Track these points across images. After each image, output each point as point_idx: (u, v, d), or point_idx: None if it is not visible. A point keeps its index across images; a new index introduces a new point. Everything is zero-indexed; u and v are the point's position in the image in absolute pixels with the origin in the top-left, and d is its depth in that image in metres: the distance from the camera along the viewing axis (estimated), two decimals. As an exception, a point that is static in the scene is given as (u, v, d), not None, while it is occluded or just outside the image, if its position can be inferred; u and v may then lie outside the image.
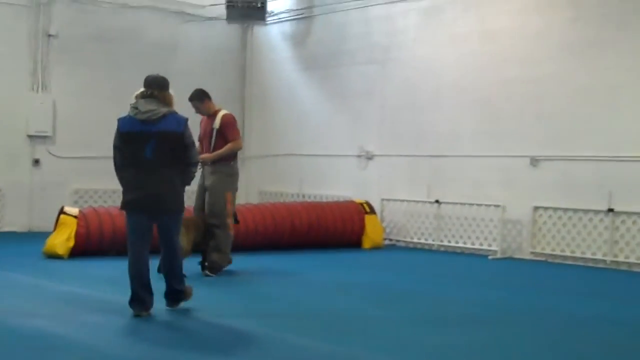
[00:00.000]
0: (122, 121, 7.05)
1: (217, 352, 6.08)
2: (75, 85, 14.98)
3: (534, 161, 12.11)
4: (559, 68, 11.87)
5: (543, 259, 11.98)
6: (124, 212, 7.21)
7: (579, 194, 11.64)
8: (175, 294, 7.36)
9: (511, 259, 12.23)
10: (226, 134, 9.55)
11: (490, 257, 12.31)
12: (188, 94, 9.72)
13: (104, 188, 14.95)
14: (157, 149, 6.83)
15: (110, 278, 9.20)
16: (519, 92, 12.29)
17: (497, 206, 12.41)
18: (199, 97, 9.68)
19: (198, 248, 9.57)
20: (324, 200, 14.38)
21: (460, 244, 12.99)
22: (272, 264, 10.92)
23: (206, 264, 9.61)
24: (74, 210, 11.26)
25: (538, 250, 12.09)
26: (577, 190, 11.64)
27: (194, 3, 16.09)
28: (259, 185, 16.52)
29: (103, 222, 11.19)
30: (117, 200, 14.40)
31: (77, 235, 10.92)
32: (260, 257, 11.41)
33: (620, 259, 11.27)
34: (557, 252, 11.88)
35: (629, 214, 11.19)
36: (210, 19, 16.16)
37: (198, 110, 9.77)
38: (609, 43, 11.42)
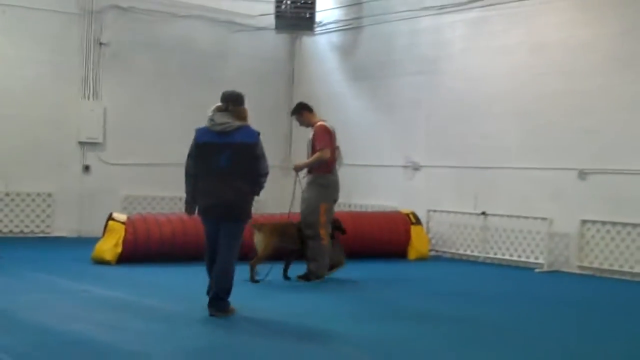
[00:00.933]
0: (199, 132, 7.51)
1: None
2: (125, 93, 15.21)
3: (582, 174, 12.00)
4: (607, 81, 11.78)
5: (590, 272, 11.84)
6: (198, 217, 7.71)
7: (627, 207, 11.49)
8: (221, 302, 7.51)
9: (558, 272, 12.09)
10: (315, 144, 9.77)
11: (536, 270, 12.20)
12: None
13: (153, 195, 15.17)
14: (231, 159, 7.28)
15: (157, 285, 9.33)
16: (566, 105, 12.21)
17: (544, 219, 12.30)
18: (297, 110, 10.11)
19: (290, 256, 9.98)
20: (371, 210, 14.38)
21: (507, 257, 12.88)
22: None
23: (288, 272, 9.95)
24: (122, 217, 11.42)
25: (586, 264, 11.96)
26: (625, 204, 11.51)
27: (244, 13, 16.23)
28: (305, 194, 16.58)
29: (150, 228, 11.34)
30: (165, 206, 14.87)
31: (125, 241, 11.08)
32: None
33: (670, 274, 11.09)
34: (605, 267, 11.72)
35: (678, 228, 11.01)
36: (260, 28, 16.30)
37: (300, 124, 10.18)
38: None
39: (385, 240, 12.95)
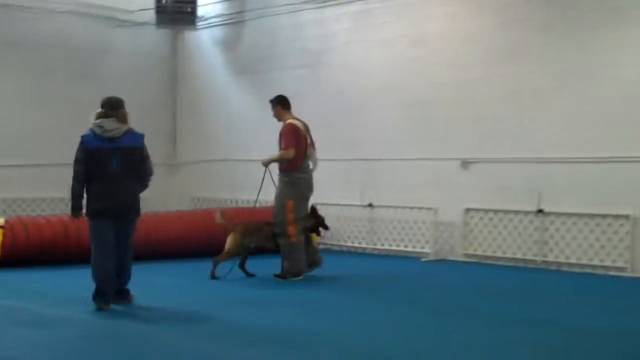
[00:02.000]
0: (86, 138, 7.81)
1: None
2: (0, 92, 14.62)
3: (465, 164, 12.22)
4: (488, 72, 12.00)
5: (475, 260, 12.08)
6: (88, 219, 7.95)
7: (509, 195, 11.77)
8: (125, 292, 8.13)
9: (444, 260, 12.30)
10: (281, 142, 9.87)
11: (423, 260, 12.36)
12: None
13: (33, 197, 14.63)
14: (122, 163, 7.75)
15: (37, 290, 8.98)
16: (449, 96, 12.39)
17: (429, 209, 12.50)
18: (272, 102, 10.23)
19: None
20: (258, 205, 14.24)
21: (394, 247, 13.03)
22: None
23: (246, 266, 10.15)
24: (0, 220, 10.97)
25: (470, 252, 12.20)
26: (507, 192, 11.77)
27: (122, 8, 15.84)
28: (192, 191, 16.37)
29: (30, 232, 10.92)
30: (47, 208, 14.38)
31: (3, 246, 10.64)
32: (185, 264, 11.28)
33: (550, 258, 11.43)
34: (489, 254, 11.99)
35: (557, 214, 11.36)
36: (139, 24, 15.94)
37: (274, 115, 10.33)
38: (535, 47, 11.59)
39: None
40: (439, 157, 12.46)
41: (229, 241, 9.96)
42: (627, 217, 10.74)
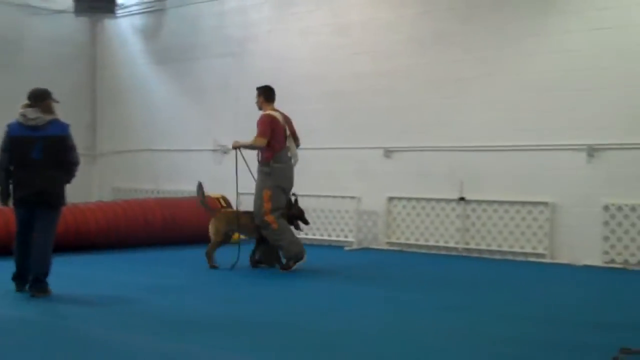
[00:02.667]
0: (11, 127, 7.90)
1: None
2: None
3: (388, 152, 12.26)
4: (410, 61, 12.06)
5: (398, 248, 12.13)
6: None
7: (432, 183, 11.87)
8: (41, 283, 7.89)
9: (367, 249, 12.31)
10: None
11: (346, 248, 12.37)
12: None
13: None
14: (44, 151, 7.77)
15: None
16: (372, 85, 12.41)
17: (353, 198, 12.51)
18: (257, 90, 10.04)
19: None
20: (180, 196, 14.08)
21: (318, 236, 12.98)
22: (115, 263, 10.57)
23: (257, 257, 9.93)
24: None
25: (393, 240, 12.25)
26: (429, 180, 11.86)
27: (40, -5, 15.42)
28: (112, 182, 16.07)
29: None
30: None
31: None
32: (109, 255, 11.05)
33: (472, 246, 11.56)
34: (412, 242, 12.05)
35: (479, 202, 11.49)
36: (57, 12, 15.53)
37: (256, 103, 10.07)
38: (456, 36, 11.69)
39: (194, 226, 12.65)
40: (363, 146, 12.48)
41: (211, 230, 9.91)
42: (546, 204, 10.90)
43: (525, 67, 11.12)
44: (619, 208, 10.38)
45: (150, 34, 15.66)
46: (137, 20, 15.82)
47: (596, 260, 10.47)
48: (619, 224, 10.39)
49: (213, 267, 9.79)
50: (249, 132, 13.40)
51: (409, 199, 12.09)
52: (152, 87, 15.55)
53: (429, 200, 11.88)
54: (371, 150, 12.38)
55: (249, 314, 7.12)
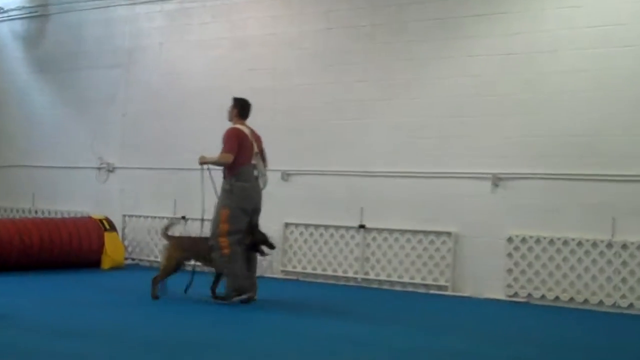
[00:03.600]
0: None
1: None
2: None
3: (285, 175, 11.70)
4: (310, 80, 11.60)
5: (294, 277, 11.55)
6: None
7: (331, 209, 11.33)
8: None
9: (261, 277, 11.57)
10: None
11: None
12: None
13: None
14: None
15: None
16: (269, 103, 11.78)
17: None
18: (233, 101, 9.30)
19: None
20: (59, 216, 13.08)
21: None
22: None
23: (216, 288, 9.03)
24: None
25: (289, 268, 11.66)
26: (329, 206, 11.34)
27: None
28: (-16, 199, 14.90)
29: None
30: None
31: None
32: None
33: (371, 276, 11.05)
34: (309, 270, 11.49)
35: (379, 230, 10.99)
36: None
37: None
38: (359, 56, 11.28)
39: (76, 249, 11.77)
40: None
41: (163, 256, 9.17)
42: (449, 234, 10.51)
43: (430, 91, 10.76)
44: (523, 239, 10.05)
45: (31, 40, 14.67)
46: (18, 26, 14.81)
47: (499, 294, 10.11)
48: (523, 256, 10.04)
49: (155, 297, 8.86)
50: (137, 150, 12.57)
51: (307, 226, 11.53)
52: (31, 97, 14.52)
53: (327, 227, 11.34)
54: (268, 173, 11.58)
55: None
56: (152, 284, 8.93)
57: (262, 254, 9.14)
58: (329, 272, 11.31)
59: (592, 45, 9.80)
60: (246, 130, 9.02)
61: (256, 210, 8.98)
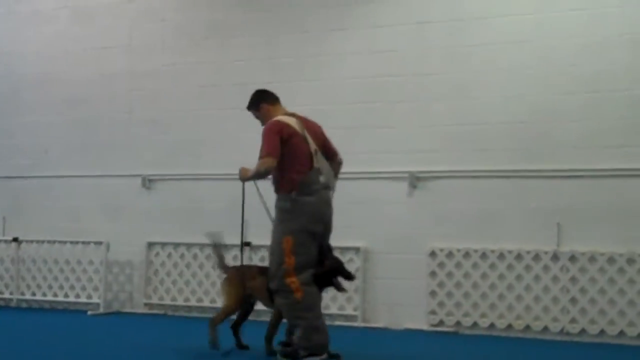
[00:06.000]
0: None
1: None
2: None
3: (147, 182, 10.10)
4: (177, 59, 10.22)
5: (162, 311, 9.79)
6: None
7: (208, 223, 9.09)
8: None
9: (119, 313, 10.07)
10: None
11: (90, 313, 9.78)
12: None
13: None
14: None
15: None
16: (124, 90, 10.46)
17: (99, 243, 10.08)
18: (253, 105, 7.05)
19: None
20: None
21: (51, 297, 10.37)
22: None
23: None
24: None
25: (155, 300, 9.88)
26: (205, 219, 9.56)
27: None
28: None
29: None
30: None
31: None
32: None
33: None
34: (180, 302, 9.72)
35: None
36: None
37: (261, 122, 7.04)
38: (238, 29, 9.97)
39: None
40: (114, 174, 10.36)
41: (224, 291, 7.13)
42: (357, 250, 9.04)
43: (329, 71, 9.45)
44: (449, 254, 8.67)
45: None
46: None
47: (421, 323, 8.69)
48: (449, 275, 8.61)
49: (213, 343, 6.71)
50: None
51: (176, 245, 9.86)
52: None
53: (202, 246, 9.50)
54: (126, 179, 10.25)
55: None
56: (210, 326, 6.82)
57: (340, 289, 6.77)
58: (206, 304, 9.56)
59: (531, 10, 8.65)
60: (292, 122, 6.71)
61: (328, 230, 6.75)
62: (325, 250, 6.58)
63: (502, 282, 8.40)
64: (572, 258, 8.11)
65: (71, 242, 10.20)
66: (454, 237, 8.67)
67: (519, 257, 8.34)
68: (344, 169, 7.01)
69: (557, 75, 8.56)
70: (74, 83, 10.75)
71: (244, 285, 6.83)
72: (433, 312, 8.59)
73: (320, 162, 6.59)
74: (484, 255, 8.53)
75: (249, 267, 7.42)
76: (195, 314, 9.59)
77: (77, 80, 10.74)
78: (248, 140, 9.17)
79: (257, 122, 8.56)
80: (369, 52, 9.34)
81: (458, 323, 8.50)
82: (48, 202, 10.65)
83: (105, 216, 10.32)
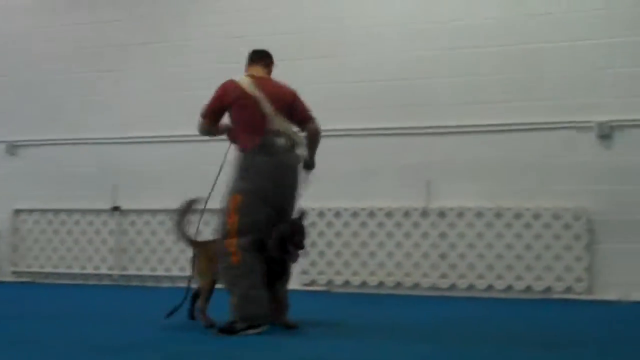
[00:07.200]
0: None
1: None
2: None
3: (12, 148, 9.70)
4: (44, 20, 9.72)
5: (30, 279, 9.41)
6: None
7: (75, 189, 9.42)
8: None
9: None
10: None
11: None
12: None
13: None
14: None
15: None
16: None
17: None
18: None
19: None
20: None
21: None
22: None
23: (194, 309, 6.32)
24: None
25: (22, 268, 9.50)
26: (72, 185, 9.39)
27: None
28: None
29: None
30: None
31: None
32: None
33: (131, 271, 8.95)
34: (49, 269, 9.39)
35: (139, 212, 9.06)
36: None
37: None
38: None
39: None
40: None
41: (197, 271, 6.23)
42: None
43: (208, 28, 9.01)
44: (320, 213, 8.32)
45: None
46: None
47: (294, 283, 7.53)
48: (321, 234, 8.30)
49: (211, 325, 5.88)
50: None
51: (44, 211, 9.44)
52: None
53: (71, 211, 9.23)
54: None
55: None
56: (200, 313, 6.11)
57: (292, 258, 5.96)
58: (76, 270, 9.23)
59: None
60: (245, 82, 6.10)
61: (281, 198, 6.00)
62: (281, 219, 5.94)
63: (373, 240, 8.21)
64: (441, 214, 8.00)
65: None
66: (325, 197, 8.22)
67: (389, 214, 8.17)
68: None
69: (437, 31, 8.33)
70: None
71: (215, 261, 6.03)
72: (305, 272, 8.32)
73: (278, 124, 6.02)
74: (354, 214, 8.27)
75: (214, 242, 6.29)
76: (65, 281, 9.22)
77: None
78: (119, 102, 9.17)
79: (130, 83, 8.39)
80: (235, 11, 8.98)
81: (330, 282, 8.27)
82: None
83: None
